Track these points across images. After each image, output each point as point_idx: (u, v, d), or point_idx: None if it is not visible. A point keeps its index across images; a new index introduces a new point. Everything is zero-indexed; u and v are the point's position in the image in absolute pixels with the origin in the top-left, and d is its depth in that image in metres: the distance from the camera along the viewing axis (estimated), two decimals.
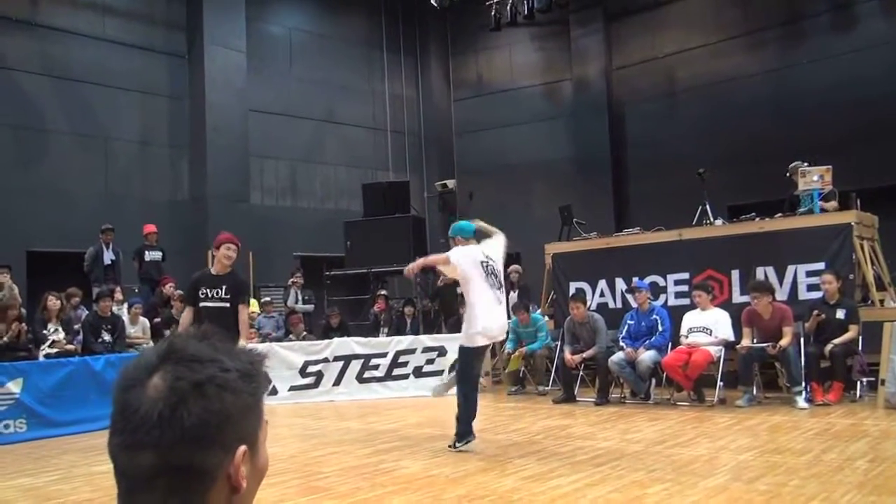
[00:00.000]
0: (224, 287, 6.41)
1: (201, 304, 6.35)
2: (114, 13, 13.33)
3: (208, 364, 0.97)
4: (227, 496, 0.97)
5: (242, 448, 0.96)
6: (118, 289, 10.77)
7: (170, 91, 13.96)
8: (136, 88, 13.47)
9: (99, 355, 8.57)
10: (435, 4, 15.93)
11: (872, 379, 7.51)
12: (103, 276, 11.09)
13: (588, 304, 9.38)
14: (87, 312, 10.12)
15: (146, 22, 13.78)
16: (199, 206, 13.81)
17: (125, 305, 10.50)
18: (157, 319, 10.46)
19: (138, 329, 10.11)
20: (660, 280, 9.57)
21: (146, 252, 11.64)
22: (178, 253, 12.74)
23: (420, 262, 6.33)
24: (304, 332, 11.41)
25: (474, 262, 5.99)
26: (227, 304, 6.39)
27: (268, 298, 12.79)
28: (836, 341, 7.61)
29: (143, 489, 0.94)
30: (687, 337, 8.26)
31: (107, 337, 9.29)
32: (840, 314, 7.79)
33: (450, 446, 5.97)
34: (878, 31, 12.74)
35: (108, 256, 11.21)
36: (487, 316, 5.94)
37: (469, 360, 6.05)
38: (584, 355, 8.70)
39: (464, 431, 5.95)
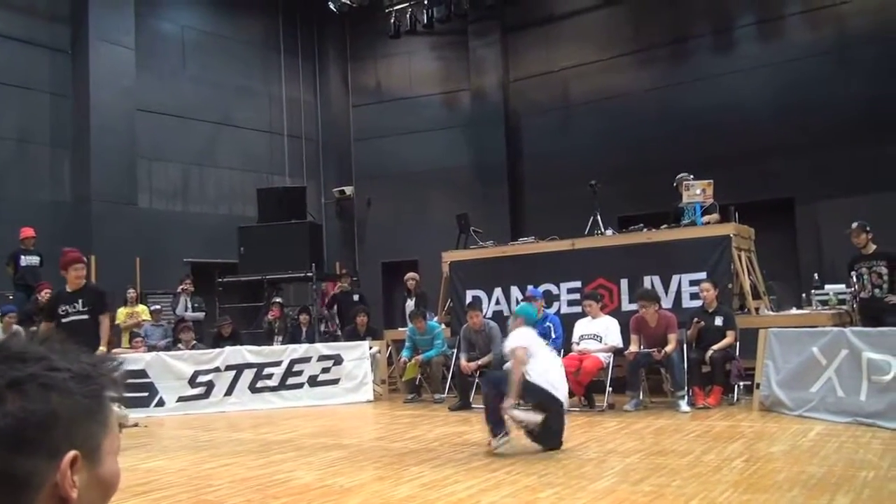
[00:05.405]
0: (81, 301, 7.11)
1: (63, 321, 6.94)
2: None
3: (33, 362, 0.90)
4: None
5: (72, 453, 0.89)
6: None
7: (51, 87, 13.22)
8: (15, 83, 12.68)
9: None
10: (334, 9, 15.79)
11: (749, 383, 7.94)
12: None
13: (484, 312, 9.51)
14: None
15: (27, 13, 13.02)
16: (83, 209, 13.12)
17: None
18: (34, 328, 9.87)
19: None
20: (553, 288, 9.81)
21: (22, 257, 10.96)
22: (59, 257, 12.06)
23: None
24: (194, 342, 11.05)
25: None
26: (87, 317, 7.06)
27: (157, 307, 12.30)
28: (716, 347, 8.02)
29: None
30: (578, 344, 8.50)
31: None
32: (718, 321, 8.22)
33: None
34: (756, 53, 13.52)
35: None
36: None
37: None
38: (480, 362, 8.80)
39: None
